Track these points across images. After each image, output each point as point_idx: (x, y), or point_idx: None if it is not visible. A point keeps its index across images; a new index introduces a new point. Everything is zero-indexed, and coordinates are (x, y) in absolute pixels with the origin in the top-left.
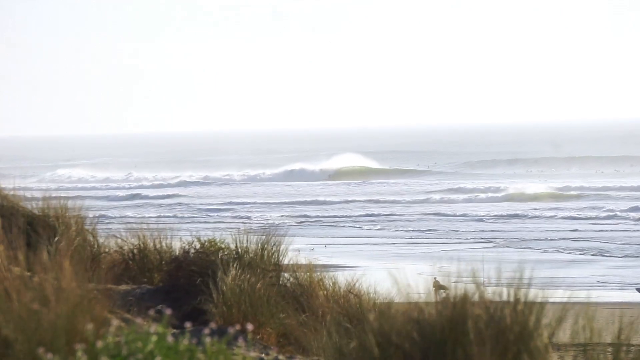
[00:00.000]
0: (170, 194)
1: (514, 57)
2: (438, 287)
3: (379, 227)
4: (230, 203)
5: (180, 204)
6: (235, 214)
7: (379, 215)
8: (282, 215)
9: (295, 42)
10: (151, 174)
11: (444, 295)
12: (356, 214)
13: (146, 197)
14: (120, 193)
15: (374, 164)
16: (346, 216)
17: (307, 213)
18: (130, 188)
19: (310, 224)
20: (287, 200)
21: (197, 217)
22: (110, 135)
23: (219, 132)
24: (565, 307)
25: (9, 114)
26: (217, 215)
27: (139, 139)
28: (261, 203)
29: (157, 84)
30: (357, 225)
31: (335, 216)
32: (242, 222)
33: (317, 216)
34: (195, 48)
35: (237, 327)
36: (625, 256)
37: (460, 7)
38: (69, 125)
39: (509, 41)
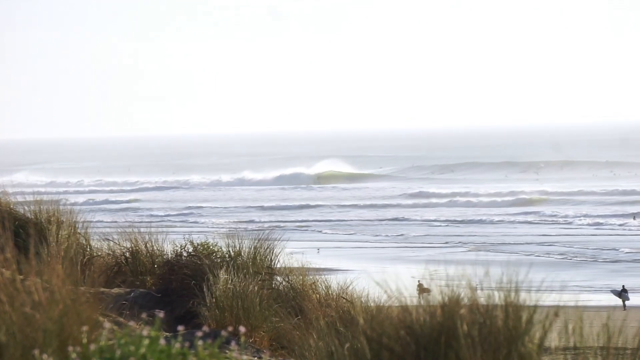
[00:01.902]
0: (127, 199)
1: (513, 58)
2: (422, 290)
3: (352, 231)
4: (188, 208)
5: (132, 208)
6: (185, 220)
7: (346, 220)
8: (229, 221)
9: (295, 42)
10: (118, 178)
11: (428, 298)
12: (322, 219)
13: (100, 202)
14: (71, 199)
15: (353, 169)
16: (309, 220)
17: (257, 218)
18: (85, 193)
19: (270, 229)
20: (246, 205)
21: (144, 222)
22: (98, 138)
23: (215, 134)
24: (554, 311)
25: (9, 115)
26: (169, 221)
27: (128, 142)
28: (220, 207)
29: (157, 84)
30: (319, 229)
31: (296, 220)
32: (192, 228)
33: (271, 221)
34: (195, 48)
35: (230, 330)
36: (604, 261)
37: (460, 7)
38: (69, 125)
39: (508, 42)
